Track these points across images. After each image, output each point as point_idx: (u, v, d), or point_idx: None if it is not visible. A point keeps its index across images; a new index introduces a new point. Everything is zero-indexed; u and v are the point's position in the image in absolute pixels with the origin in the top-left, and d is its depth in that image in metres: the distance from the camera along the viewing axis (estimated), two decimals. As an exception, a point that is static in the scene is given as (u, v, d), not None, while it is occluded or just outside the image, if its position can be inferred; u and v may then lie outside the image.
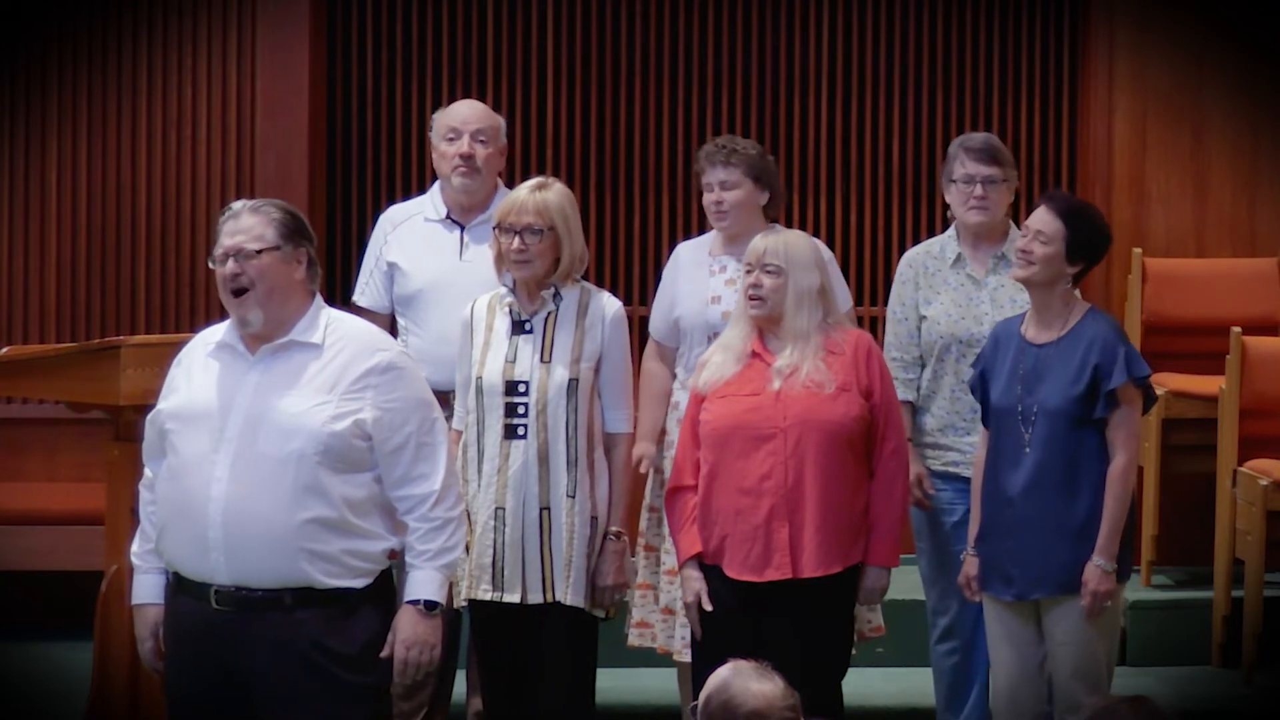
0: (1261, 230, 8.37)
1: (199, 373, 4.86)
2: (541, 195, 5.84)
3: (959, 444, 6.33)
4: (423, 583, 4.82)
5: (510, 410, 5.81)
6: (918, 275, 6.45)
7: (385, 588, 4.84)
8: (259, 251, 4.79)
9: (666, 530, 6.05)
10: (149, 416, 4.94)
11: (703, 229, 6.73)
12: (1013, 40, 8.50)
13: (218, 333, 4.90)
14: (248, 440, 4.72)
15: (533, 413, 5.80)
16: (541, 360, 5.83)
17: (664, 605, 6.21)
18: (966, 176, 6.38)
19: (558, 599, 5.80)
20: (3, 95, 8.23)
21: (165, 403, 4.89)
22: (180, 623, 4.83)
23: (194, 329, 5.07)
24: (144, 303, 8.27)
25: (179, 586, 4.83)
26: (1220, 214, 8.39)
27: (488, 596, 5.82)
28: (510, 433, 5.81)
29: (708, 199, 6.32)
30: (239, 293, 4.79)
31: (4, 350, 6.05)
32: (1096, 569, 5.66)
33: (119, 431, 5.89)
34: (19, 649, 7.71)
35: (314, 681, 4.72)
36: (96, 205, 8.27)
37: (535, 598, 5.80)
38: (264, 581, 4.71)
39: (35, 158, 8.25)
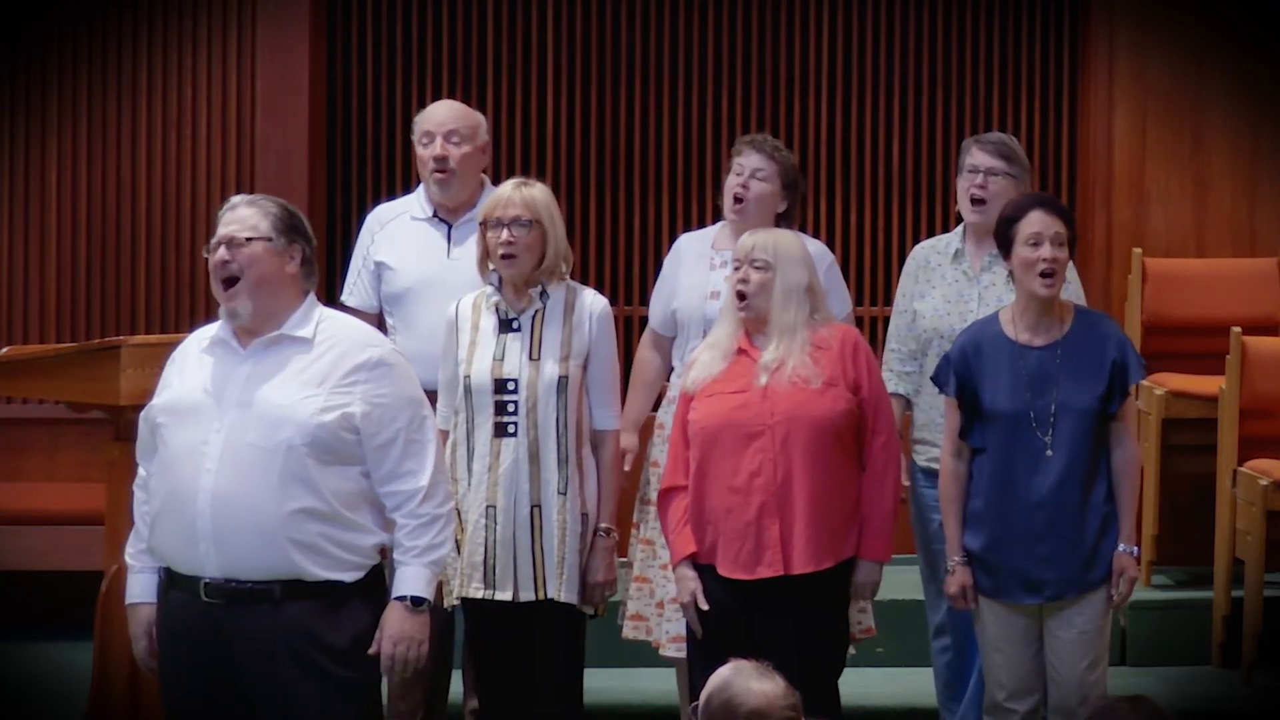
0: (1261, 230, 8.38)
1: (192, 368, 4.87)
2: (527, 190, 5.88)
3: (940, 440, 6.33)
4: (410, 579, 4.82)
5: (500, 408, 5.81)
6: (918, 269, 6.44)
7: (376, 583, 4.84)
8: (249, 240, 4.81)
9: (662, 523, 6.05)
10: (142, 413, 4.95)
11: (702, 228, 6.73)
12: (1013, 40, 8.51)
13: (211, 330, 4.92)
14: (237, 431, 4.74)
15: (523, 410, 5.80)
16: (530, 358, 5.83)
17: (658, 599, 6.21)
18: (972, 167, 6.35)
19: (550, 596, 5.80)
20: (3, 95, 8.24)
21: (158, 398, 4.91)
22: (173, 619, 4.83)
23: (193, 329, 5.08)
24: (144, 303, 8.27)
25: (170, 582, 4.84)
26: (1220, 214, 8.39)
27: (479, 594, 5.82)
28: (501, 431, 5.81)
29: (732, 182, 6.31)
30: (229, 282, 4.80)
31: (4, 350, 6.05)
32: (1128, 556, 5.70)
33: (119, 431, 5.89)
34: (19, 649, 7.72)
35: (304, 675, 4.72)
36: (96, 205, 8.27)
37: (527, 595, 5.80)
38: (253, 573, 4.72)
39: (35, 158, 8.25)
